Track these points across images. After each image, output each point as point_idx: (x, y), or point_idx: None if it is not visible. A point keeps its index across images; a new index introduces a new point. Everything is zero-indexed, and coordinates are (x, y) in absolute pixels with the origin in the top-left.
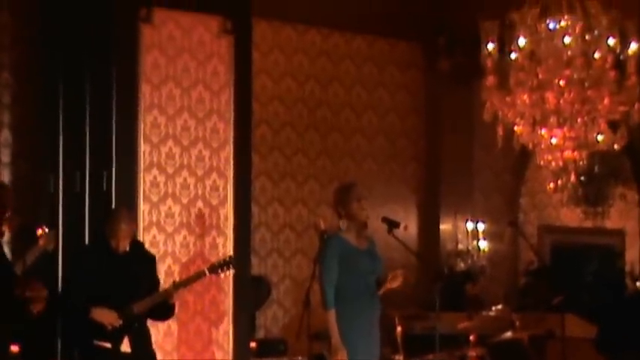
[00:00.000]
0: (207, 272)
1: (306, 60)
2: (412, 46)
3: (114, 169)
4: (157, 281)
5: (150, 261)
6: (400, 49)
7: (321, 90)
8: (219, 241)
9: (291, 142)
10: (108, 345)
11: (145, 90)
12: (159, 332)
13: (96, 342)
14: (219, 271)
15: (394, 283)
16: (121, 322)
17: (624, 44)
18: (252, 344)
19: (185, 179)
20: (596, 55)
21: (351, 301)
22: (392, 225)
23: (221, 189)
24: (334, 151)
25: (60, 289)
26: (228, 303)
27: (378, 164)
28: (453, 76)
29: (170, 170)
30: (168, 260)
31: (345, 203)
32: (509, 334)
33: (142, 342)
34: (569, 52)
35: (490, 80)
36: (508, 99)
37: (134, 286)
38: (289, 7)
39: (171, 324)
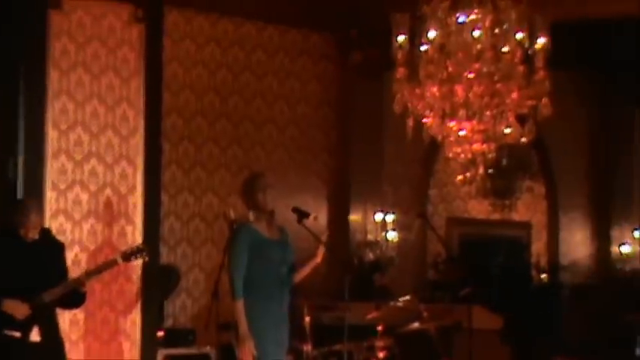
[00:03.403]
0: (119, 260)
1: (217, 49)
2: (324, 37)
3: (20, 156)
4: (65, 269)
5: (59, 249)
6: (312, 40)
7: (232, 79)
8: (128, 229)
9: (201, 131)
10: (17, 334)
11: (54, 76)
12: (65, 321)
13: (5, 331)
14: (132, 259)
15: (319, 258)
16: (31, 312)
17: (533, 38)
18: (160, 333)
19: (94, 167)
20: (505, 49)
21: (260, 291)
22: (302, 215)
23: (130, 177)
24: (245, 140)
25: None
26: (137, 292)
27: (289, 154)
28: (364, 68)
29: (78, 157)
30: (76, 248)
31: (251, 193)
32: (416, 324)
33: (51, 331)
34: (478, 46)
35: (400, 72)
36: (418, 91)
37: (44, 274)
38: None
39: (78, 313)
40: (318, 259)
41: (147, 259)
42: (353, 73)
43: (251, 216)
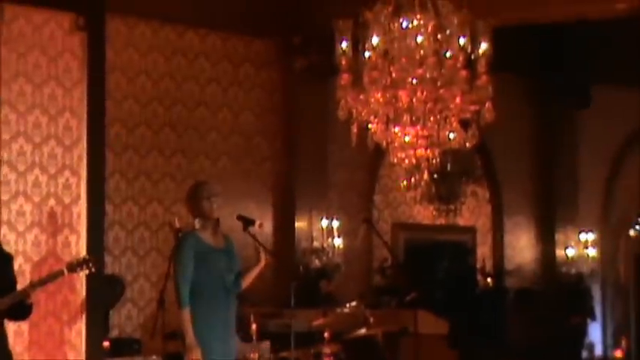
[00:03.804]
0: (65, 272)
1: (160, 57)
2: (268, 43)
3: None
4: (14, 280)
5: (6, 260)
6: (255, 47)
7: (176, 88)
8: (72, 239)
9: (145, 140)
10: None
11: None
12: (9, 333)
13: None
14: (78, 270)
15: (262, 263)
16: None
17: (475, 44)
18: (106, 344)
19: (37, 177)
20: (448, 55)
21: (206, 300)
22: (247, 223)
23: (74, 187)
24: (189, 149)
25: None
26: (81, 302)
27: (234, 162)
28: (308, 74)
29: (21, 168)
30: (20, 259)
31: (196, 201)
32: (363, 330)
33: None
34: (421, 51)
35: (344, 78)
36: (362, 97)
37: None
38: (143, 3)
39: (22, 324)
40: (262, 262)
41: (93, 270)
42: (297, 79)
43: (197, 224)
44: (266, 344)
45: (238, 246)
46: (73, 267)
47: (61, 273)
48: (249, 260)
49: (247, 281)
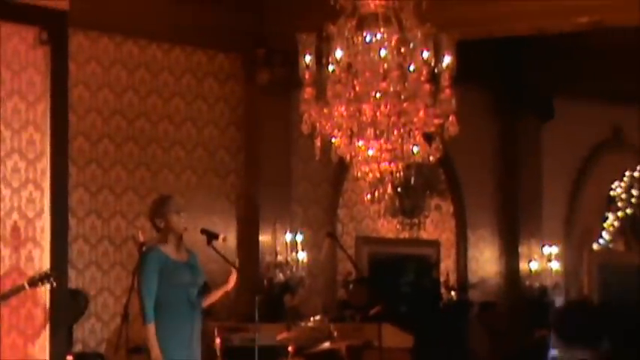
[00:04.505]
0: (27, 286)
1: (124, 71)
2: (231, 57)
3: None
4: None
5: None
6: (219, 61)
7: (139, 101)
8: (36, 253)
9: (109, 154)
10: None
11: None
12: None
13: None
14: (40, 284)
15: (231, 284)
16: None
17: (438, 57)
18: (69, 358)
19: (0, 191)
20: (412, 68)
21: (171, 314)
22: (211, 237)
23: (37, 201)
24: (153, 162)
25: None
26: (45, 317)
27: (197, 176)
28: (271, 88)
29: None
30: None
31: (164, 215)
32: (327, 344)
33: None
34: (385, 65)
35: (308, 92)
36: (326, 111)
37: None
38: (107, 17)
39: None
40: (230, 285)
41: (54, 284)
42: (260, 93)
43: (162, 238)
44: None
45: (202, 260)
46: (35, 282)
47: (22, 288)
48: (213, 274)
49: (211, 300)
